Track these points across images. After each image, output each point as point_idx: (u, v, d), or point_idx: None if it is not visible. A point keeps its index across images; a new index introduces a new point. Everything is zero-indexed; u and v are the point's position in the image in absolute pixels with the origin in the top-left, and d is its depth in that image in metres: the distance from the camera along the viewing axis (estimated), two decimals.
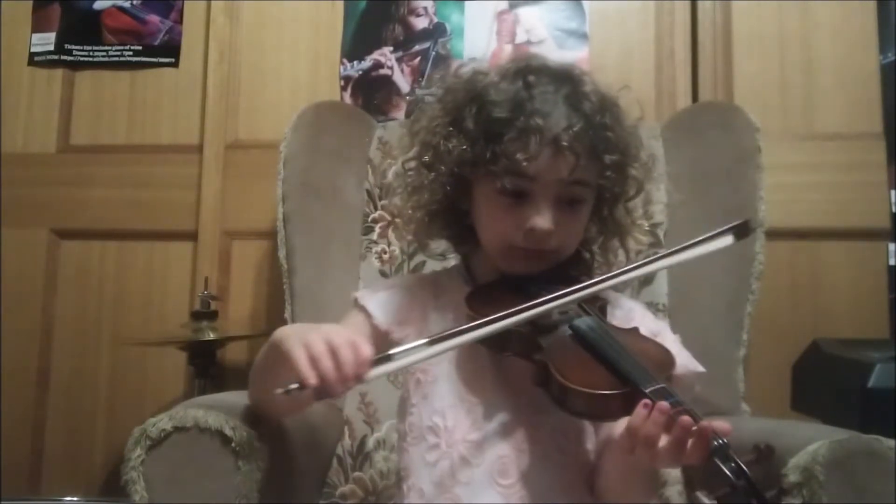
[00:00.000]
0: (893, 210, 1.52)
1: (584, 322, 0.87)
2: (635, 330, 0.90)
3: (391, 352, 0.80)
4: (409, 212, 1.00)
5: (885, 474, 0.83)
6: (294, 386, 0.75)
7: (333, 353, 0.75)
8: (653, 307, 1.31)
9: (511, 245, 0.93)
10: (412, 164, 0.99)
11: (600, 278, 0.88)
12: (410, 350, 0.80)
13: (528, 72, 0.93)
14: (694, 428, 0.69)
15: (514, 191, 0.91)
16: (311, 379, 0.74)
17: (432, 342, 0.81)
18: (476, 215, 0.97)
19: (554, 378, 0.81)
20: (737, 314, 1.31)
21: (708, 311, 1.32)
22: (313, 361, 0.75)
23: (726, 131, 1.40)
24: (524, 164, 0.88)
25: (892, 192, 1.53)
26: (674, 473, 1.23)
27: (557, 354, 0.83)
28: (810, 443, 0.86)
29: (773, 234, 1.38)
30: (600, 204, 0.97)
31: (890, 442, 0.85)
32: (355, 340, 0.77)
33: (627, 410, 0.75)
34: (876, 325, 1.50)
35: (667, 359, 0.83)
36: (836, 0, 1.61)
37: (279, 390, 0.75)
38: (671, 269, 0.87)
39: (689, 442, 0.70)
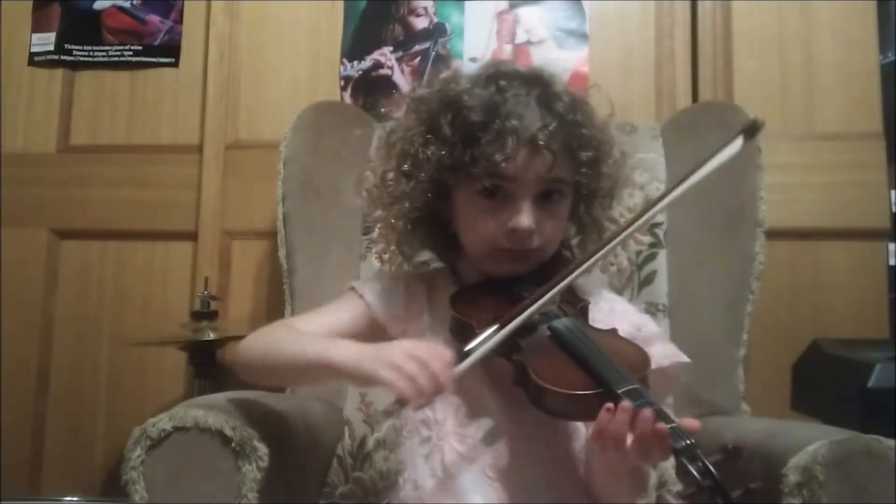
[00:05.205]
0: (893, 210, 1.52)
1: (561, 323, 0.89)
2: (613, 331, 0.92)
3: (466, 348, 0.83)
4: (392, 221, 1.01)
5: (885, 474, 0.83)
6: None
7: (424, 367, 0.78)
8: (653, 307, 1.31)
9: (495, 247, 0.95)
10: (391, 174, 1.00)
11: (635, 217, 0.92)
12: (483, 341, 0.84)
13: (498, 77, 0.95)
14: (657, 425, 0.71)
15: (493, 192, 0.93)
16: (415, 398, 0.78)
17: (501, 326, 0.84)
18: (458, 222, 0.99)
19: (531, 378, 0.82)
20: (737, 314, 1.31)
21: (708, 310, 1.32)
22: (409, 381, 0.78)
23: (726, 131, 1.38)
24: (503, 164, 0.90)
25: (892, 192, 1.52)
26: (674, 473, 1.23)
27: (535, 355, 0.85)
28: (810, 443, 0.86)
29: (773, 234, 1.38)
30: (577, 202, 1.00)
31: (890, 442, 0.85)
32: (435, 347, 0.81)
33: None
34: (876, 325, 1.49)
35: (642, 359, 0.85)
36: (836, 0, 1.61)
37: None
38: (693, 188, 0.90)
39: (652, 438, 0.71)
